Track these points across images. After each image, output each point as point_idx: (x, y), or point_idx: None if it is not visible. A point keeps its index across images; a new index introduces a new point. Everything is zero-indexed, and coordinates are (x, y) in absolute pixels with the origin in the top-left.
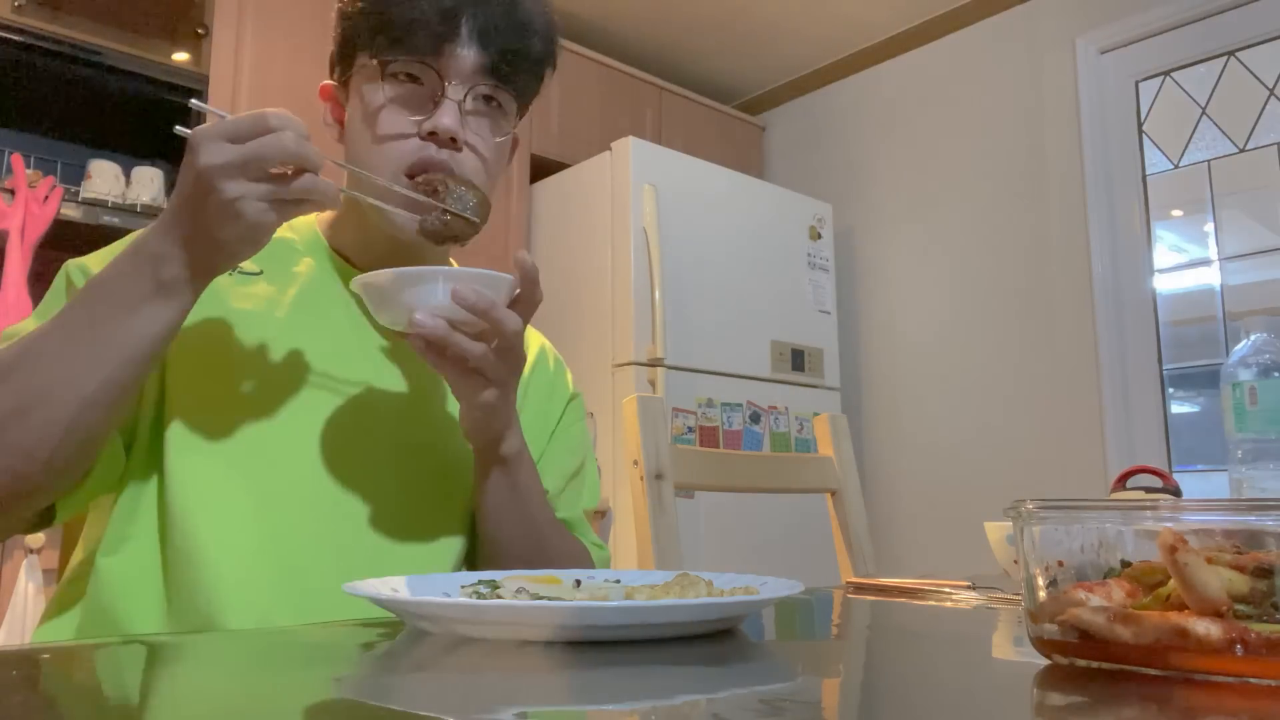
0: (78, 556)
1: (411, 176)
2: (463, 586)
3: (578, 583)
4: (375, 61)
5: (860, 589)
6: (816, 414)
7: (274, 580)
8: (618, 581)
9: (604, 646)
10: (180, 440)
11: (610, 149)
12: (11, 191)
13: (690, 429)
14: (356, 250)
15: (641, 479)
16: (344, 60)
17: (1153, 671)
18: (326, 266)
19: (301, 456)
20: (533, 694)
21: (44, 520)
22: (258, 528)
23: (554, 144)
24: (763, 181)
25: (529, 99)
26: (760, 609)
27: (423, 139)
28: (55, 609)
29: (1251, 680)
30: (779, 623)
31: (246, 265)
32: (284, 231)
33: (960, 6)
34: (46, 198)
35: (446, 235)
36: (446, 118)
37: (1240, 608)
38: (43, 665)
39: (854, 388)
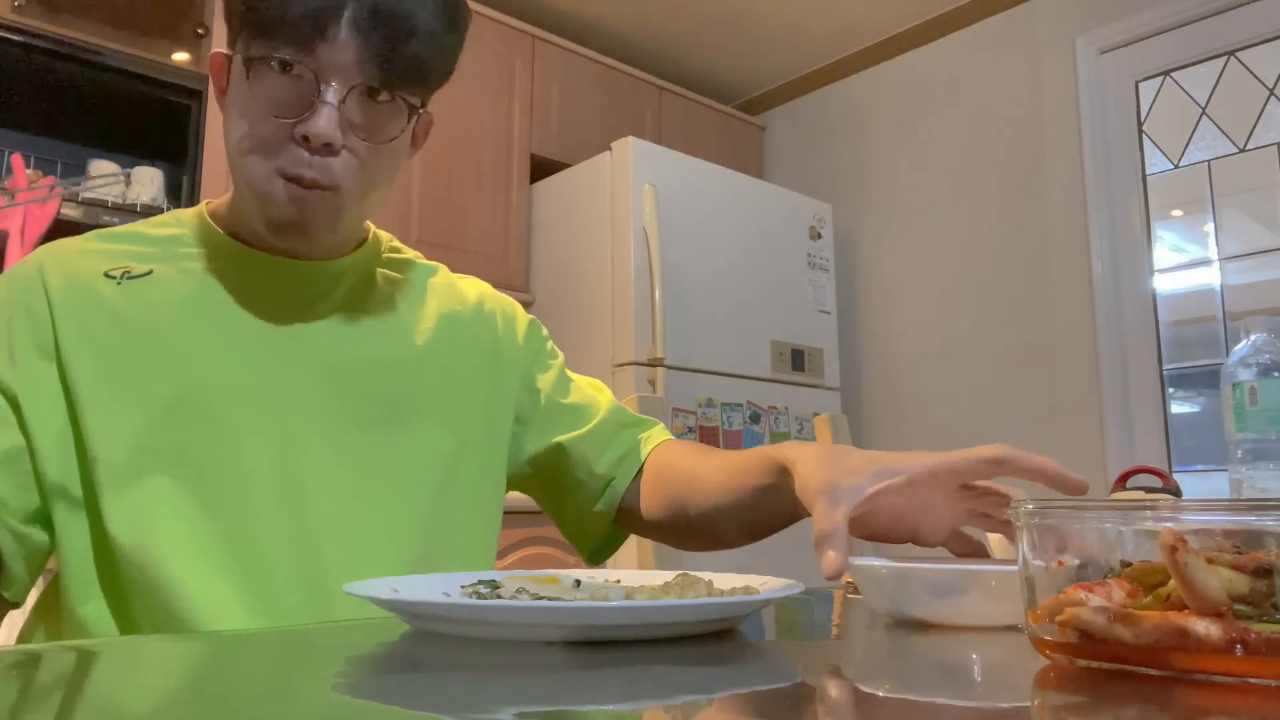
0: (48, 593)
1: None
2: (463, 586)
3: (578, 583)
4: (249, 49)
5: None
6: (816, 414)
7: (245, 592)
8: (618, 581)
9: (604, 646)
10: (113, 476)
11: (610, 149)
12: (12, 192)
13: (690, 429)
14: (243, 228)
15: None
16: (230, 33)
17: (1153, 671)
18: (223, 254)
19: (245, 456)
20: (533, 694)
21: (3, 606)
22: (218, 544)
23: (554, 144)
24: (763, 181)
25: (428, 90)
26: (760, 609)
27: (297, 143)
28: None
29: (1251, 680)
30: (779, 623)
31: (134, 267)
32: (168, 227)
33: (960, 6)
34: (46, 198)
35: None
36: (320, 123)
37: (1240, 608)
38: (40, 666)
39: (854, 388)
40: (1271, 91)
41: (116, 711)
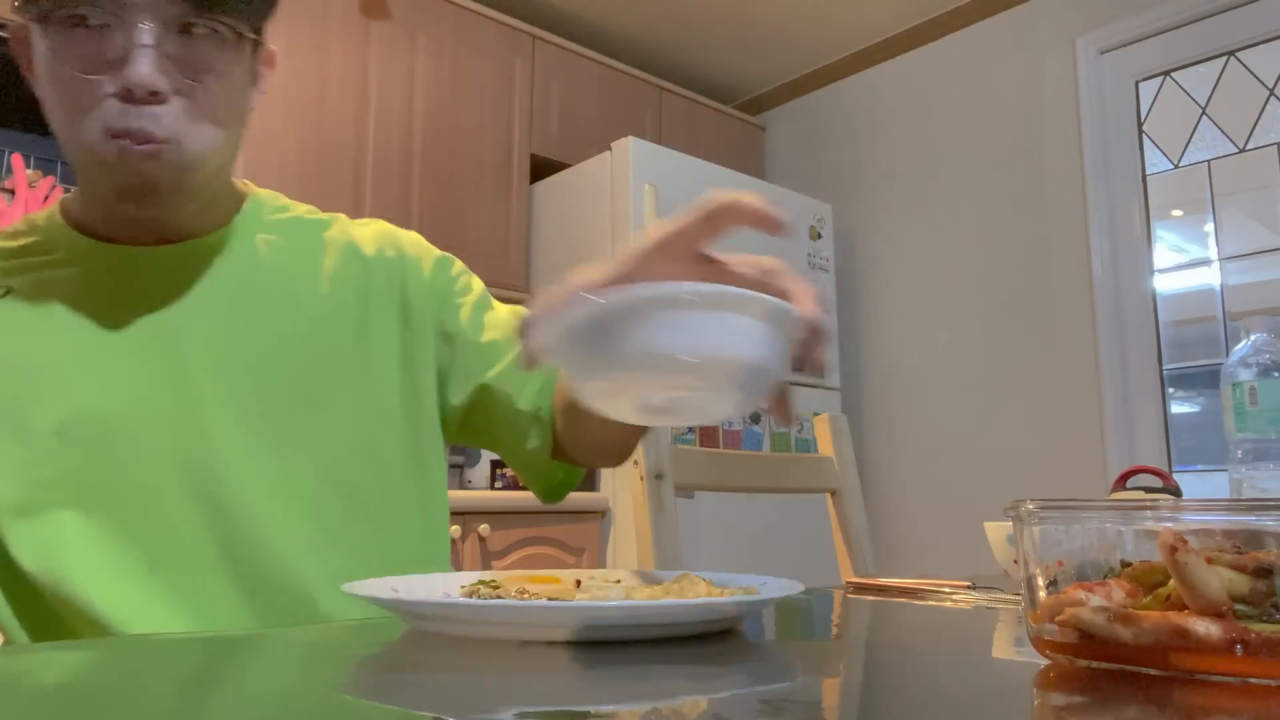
0: None
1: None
2: (462, 586)
3: (578, 583)
4: (39, 9)
5: (860, 589)
6: (816, 414)
7: (180, 607)
8: (618, 581)
9: (604, 646)
10: (11, 517)
11: (610, 149)
12: (11, 191)
13: (690, 429)
14: (95, 218)
15: (641, 479)
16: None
17: (1153, 671)
18: (82, 256)
19: (150, 469)
20: (533, 694)
21: None
22: (140, 565)
23: (554, 144)
24: (763, 181)
25: (252, 13)
26: (760, 609)
27: (120, 97)
28: None
29: (1251, 680)
30: (779, 623)
31: None
32: (20, 236)
33: (960, 6)
34: (46, 198)
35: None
36: (139, 69)
37: (1240, 608)
38: (35, 665)
39: (854, 388)
40: (1271, 91)
41: (113, 711)
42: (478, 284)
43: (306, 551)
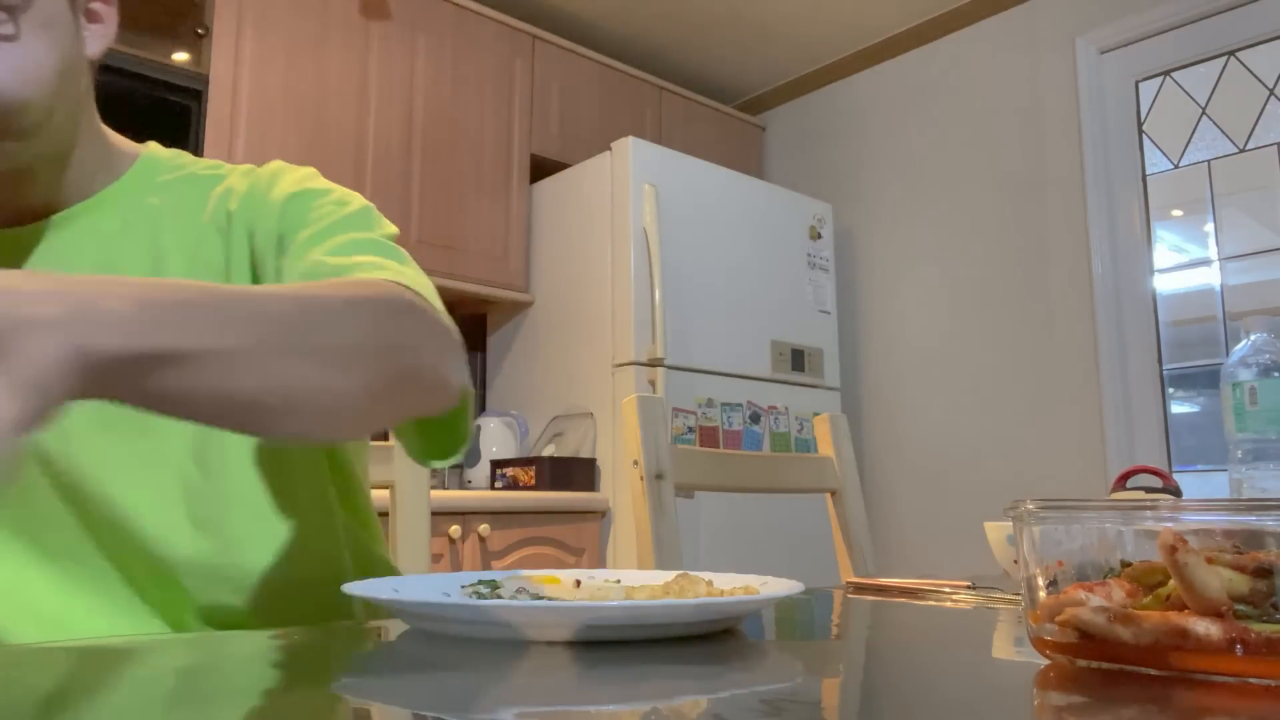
0: None
1: None
2: (463, 586)
3: (578, 583)
4: None
5: (860, 589)
6: (816, 414)
7: (71, 593)
8: (618, 581)
9: (604, 646)
10: None
11: (610, 149)
12: None
13: (690, 429)
14: None
15: (641, 479)
16: None
17: (1153, 671)
18: None
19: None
20: (533, 694)
21: None
22: (17, 569)
23: (554, 144)
24: (763, 181)
25: None
26: (760, 609)
27: None
28: None
29: (1251, 680)
30: (779, 623)
31: None
32: None
33: (960, 6)
34: None
35: None
36: None
37: (1240, 608)
38: (32, 666)
39: (854, 388)
40: (1271, 91)
41: (114, 710)
42: (337, 212)
43: (178, 540)
